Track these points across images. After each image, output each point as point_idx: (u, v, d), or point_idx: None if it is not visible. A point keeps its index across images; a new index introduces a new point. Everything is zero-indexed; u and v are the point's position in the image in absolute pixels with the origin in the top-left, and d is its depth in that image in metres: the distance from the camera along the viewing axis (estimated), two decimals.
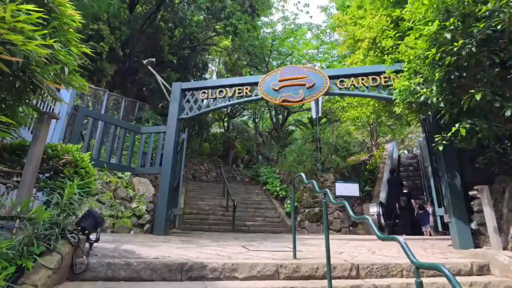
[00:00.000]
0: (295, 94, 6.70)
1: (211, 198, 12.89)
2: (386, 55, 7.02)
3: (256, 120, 28.81)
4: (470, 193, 5.62)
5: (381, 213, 10.08)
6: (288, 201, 12.04)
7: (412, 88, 5.13)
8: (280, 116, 20.76)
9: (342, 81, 6.79)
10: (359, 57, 7.72)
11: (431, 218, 9.55)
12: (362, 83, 6.64)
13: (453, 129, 4.40)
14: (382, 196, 12.14)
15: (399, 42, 5.93)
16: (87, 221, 3.23)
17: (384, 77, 6.56)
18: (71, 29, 2.89)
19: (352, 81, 6.69)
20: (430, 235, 9.72)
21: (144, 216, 6.50)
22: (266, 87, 6.98)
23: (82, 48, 2.83)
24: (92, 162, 3.53)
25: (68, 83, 2.62)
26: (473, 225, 5.41)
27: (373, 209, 10.23)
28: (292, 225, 4.13)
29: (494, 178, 5.47)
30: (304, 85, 6.75)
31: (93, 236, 3.34)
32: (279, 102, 6.79)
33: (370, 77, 6.63)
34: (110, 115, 9.88)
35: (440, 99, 4.58)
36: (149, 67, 7.17)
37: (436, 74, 4.40)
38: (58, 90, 3.58)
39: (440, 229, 5.84)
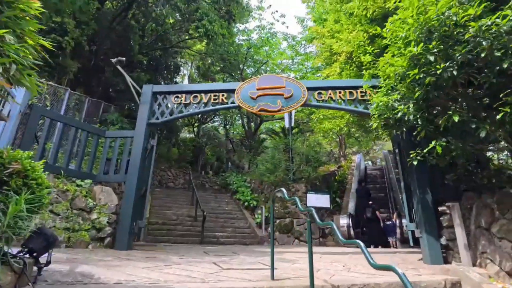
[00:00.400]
0: (273, 103, 6.55)
1: (179, 207, 12.30)
2: (364, 70, 7.13)
3: (227, 126, 28.49)
4: (440, 209, 5.78)
5: (350, 224, 10.18)
6: (259, 211, 11.81)
7: (390, 104, 5.16)
8: (253, 124, 20.62)
9: (320, 93, 6.76)
10: (335, 70, 7.79)
11: (398, 230, 9.81)
12: (340, 96, 6.65)
13: (430, 146, 4.44)
14: (351, 207, 12.34)
15: (375, 58, 6.03)
16: (36, 242, 2.75)
17: (361, 92, 6.63)
18: (28, 17, 2.47)
19: (330, 94, 6.68)
20: (396, 246, 10.09)
21: (104, 228, 5.91)
22: (243, 95, 6.76)
23: (40, 40, 2.41)
24: (44, 169, 3.05)
25: (16, 81, 2.19)
26: (443, 241, 5.53)
27: (343, 220, 10.31)
28: (271, 243, 3.88)
29: (462, 195, 5.67)
30: (282, 95, 6.62)
31: (44, 258, 2.86)
32: (256, 111, 6.60)
33: (347, 91, 6.66)
34: (70, 116, 9.08)
35: (417, 116, 4.63)
36: (118, 67, 6.65)
37: (416, 93, 4.44)
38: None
39: (411, 243, 5.89)
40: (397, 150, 6.43)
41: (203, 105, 6.95)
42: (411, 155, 5.04)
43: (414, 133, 4.88)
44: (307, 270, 4.47)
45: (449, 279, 4.25)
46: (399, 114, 4.90)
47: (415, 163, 4.99)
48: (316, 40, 9.50)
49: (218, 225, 11.17)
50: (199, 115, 27.37)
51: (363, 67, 6.21)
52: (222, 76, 20.80)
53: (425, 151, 4.54)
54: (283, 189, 3.72)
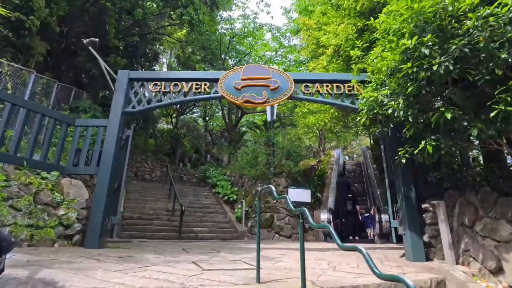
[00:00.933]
0: (258, 95, 6.26)
1: (155, 200, 11.82)
2: (353, 65, 6.97)
3: (207, 118, 27.92)
4: (423, 206, 5.78)
5: (331, 219, 10.18)
6: (239, 206, 11.57)
7: (379, 100, 5.03)
8: (234, 116, 20.23)
9: (307, 86, 6.54)
10: (322, 64, 7.60)
11: (377, 225, 9.91)
12: (327, 89, 6.47)
13: (420, 146, 4.34)
14: (331, 202, 12.38)
15: (364, 53, 5.88)
16: None
17: (348, 86, 6.48)
18: None
19: (317, 87, 6.48)
20: (373, 238, 10.32)
21: (73, 225, 5.42)
22: (227, 85, 6.41)
23: None
24: (3, 159, 2.61)
25: None
26: (425, 238, 5.54)
27: (324, 215, 10.30)
28: (257, 243, 3.64)
29: (445, 192, 5.69)
30: (269, 86, 6.34)
31: None
32: (240, 103, 6.28)
33: (334, 85, 6.50)
34: (36, 102, 8.33)
35: (408, 113, 4.52)
36: (91, 48, 6.08)
37: (409, 88, 4.31)
38: None
39: (394, 240, 5.87)
40: (382, 147, 6.35)
41: (184, 94, 6.54)
42: (400, 153, 4.95)
43: (404, 130, 4.78)
44: (293, 269, 4.30)
45: (434, 278, 4.21)
46: (390, 110, 4.76)
47: (403, 161, 4.91)
48: (302, 32, 9.25)
49: (196, 219, 10.83)
50: (178, 105, 26.73)
51: (352, 62, 6.04)
52: (203, 66, 20.16)
53: (416, 151, 4.43)
54: (272, 187, 3.47)
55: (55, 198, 5.37)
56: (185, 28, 20.00)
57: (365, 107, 5.28)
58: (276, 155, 12.52)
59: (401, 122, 5.15)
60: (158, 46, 20.89)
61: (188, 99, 6.49)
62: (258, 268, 3.47)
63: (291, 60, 17.97)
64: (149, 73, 6.76)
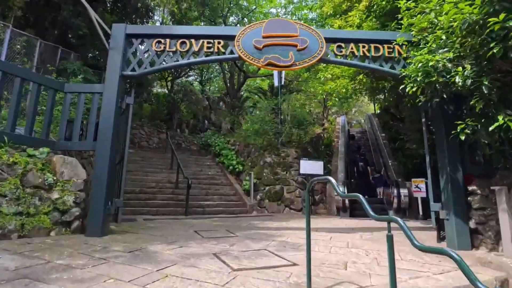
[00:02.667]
0: (284, 56, 5.24)
1: (156, 171, 11.08)
2: (389, 22, 5.88)
3: (203, 82, 26.49)
4: (469, 188, 5.13)
5: (346, 193, 9.62)
6: (247, 178, 10.93)
7: (440, 64, 4.09)
8: (235, 80, 18.94)
9: (339, 46, 5.51)
10: (354, 21, 6.47)
11: (395, 200, 9.40)
12: (363, 51, 5.47)
13: (499, 121, 3.52)
14: (341, 172, 11.80)
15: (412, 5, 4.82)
16: None
17: (388, 48, 5.47)
18: None
19: (352, 48, 5.46)
20: (383, 196, 10.90)
21: (71, 210, 4.66)
22: (245, 43, 5.34)
23: None
24: None
25: None
26: (471, 224, 4.95)
27: (339, 189, 9.71)
28: (307, 245, 2.92)
29: (493, 172, 5.01)
30: (296, 45, 5.30)
31: None
32: (262, 65, 5.27)
33: (372, 45, 5.48)
34: (16, 63, 7.15)
35: (485, 81, 3.63)
36: None
37: (494, 49, 3.37)
38: None
39: (433, 225, 5.27)
40: (423, 120, 5.52)
41: (193, 54, 5.48)
42: (459, 127, 4.14)
43: (472, 102, 3.92)
44: (338, 265, 3.65)
45: (498, 276, 3.63)
46: (457, 78, 3.86)
47: (462, 137, 4.11)
48: None
49: (202, 192, 10.21)
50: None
51: (400, 15, 4.99)
52: (200, 24, 18.39)
53: (492, 127, 3.61)
54: (332, 180, 2.68)
55: (46, 180, 4.54)
56: None
57: (419, 73, 4.35)
58: (286, 123, 11.65)
59: (464, 93, 4.29)
60: (150, 1, 18.93)
61: (199, 61, 5.44)
62: (309, 275, 2.78)
63: (302, 17, 16.30)
64: (150, 28, 5.61)
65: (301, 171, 10.23)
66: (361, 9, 6.44)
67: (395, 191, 9.25)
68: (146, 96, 21.08)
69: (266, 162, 11.01)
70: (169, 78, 26.10)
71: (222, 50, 5.40)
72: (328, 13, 7.90)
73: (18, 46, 7.45)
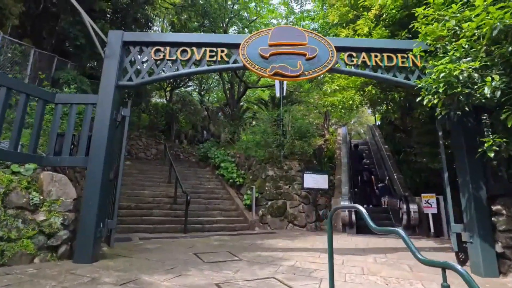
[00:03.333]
0: (292, 66, 4.90)
1: (154, 185, 10.62)
2: (401, 31, 5.58)
3: (202, 92, 26.29)
4: (494, 208, 4.73)
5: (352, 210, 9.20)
6: (248, 192, 10.48)
7: (465, 74, 3.75)
8: (236, 91, 18.66)
9: (351, 55, 5.19)
10: (362, 29, 6.18)
11: (404, 216, 8.96)
12: (376, 60, 5.15)
13: None
14: (345, 185, 11.37)
15: (433, 13, 4.52)
16: None
17: (402, 57, 5.16)
18: None
19: (363, 57, 5.14)
20: (387, 205, 10.75)
21: (58, 233, 4.21)
22: (251, 52, 5.01)
23: None
24: None
25: None
26: (498, 248, 4.53)
27: (344, 204, 9.29)
28: (329, 278, 2.49)
29: None
30: (304, 54, 4.97)
31: None
32: (269, 75, 4.92)
33: (385, 55, 5.17)
34: (5, 72, 6.79)
35: None
36: (73, 1, 4.54)
37: None
38: None
39: (455, 249, 4.83)
40: (439, 133, 5.16)
41: (195, 63, 5.12)
42: (486, 144, 3.78)
43: (503, 117, 3.56)
44: None
45: None
46: (486, 90, 3.51)
47: (491, 155, 3.75)
48: None
49: (201, 207, 9.73)
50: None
51: (416, 22, 4.68)
52: None
53: None
54: (361, 209, 2.27)
55: (32, 199, 4.11)
56: None
57: (440, 84, 4.01)
58: (288, 135, 11.28)
59: (490, 105, 3.95)
60: (150, 12, 18.83)
61: (201, 70, 5.08)
62: None
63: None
64: (149, 35, 5.27)
65: (305, 185, 9.82)
66: (370, 17, 6.17)
67: (404, 206, 8.83)
68: (144, 106, 20.83)
69: (268, 176, 10.59)
70: (168, 88, 25.90)
71: (226, 59, 5.06)
72: (334, 22, 7.64)
73: (9, 55, 7.09)
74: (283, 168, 10.77)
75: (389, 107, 10.41)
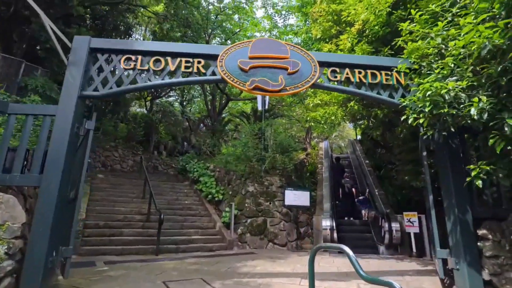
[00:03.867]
0: (273, 80, 4.63)
1: (126, 200, 9.96)
2: (384, 47, 5.48)
3: (184, 103, 25.83)
4: (480, 232, 4.56)
5: (334, 227, 8.92)
6: (227, 209, 10.02)
7: (452, 94, 3.60)
8: (217, 103, 18.33)
9: (334, 71, 4.99)
10: (345, 44, 6.05)
11: (387, 235, 8.76)
12: (359, 77, 4.97)
13: None
14: (327, 203, 11.13)
15: (418, 28, 4.41)
16: None
17: (386, 75, 5.02)
18: None
19: (347, 73, 4.95)
20: (367, 218, 10.88)
21: (1, 264, 3.63)
22: (229, 64, 4.70)
23: None
24: None
25: None
26: (485, 275, 4.32)
27: (326, 222, 9.01)
28: None
29: (504, 214, 4.49)
30: (286, 68, 4.72)
31: None
32: (249, 89, 4.61)
33: (369, 71, 5.00)
34: None
35: (510, 121, 3.12)
36: (30, 1, 4.09)
37: None
38: None
39: (441, 276, 4.60)
40: (423, 153, 5.00)
41: (169, 74, 4.76)
42: (473, 172, 3.59)
43: (492, 141, 3.39)
44: None
45: None
46: (473, 111, 3.35)
47: (478, 182, 3.56)
48: (316, 5, 7.56)
49: (176, 225, 9.16)
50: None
51: (400, 39, 4.56)
52: None
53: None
54: (348, 250, 1.94)
55: None
56: (163, 0, 17.61)
57: (426, 103, 3.83)
58: (270, 149, 11.00)
59: (476, 126, 3.80)
60: (131, 20, 18.38)
61: (175, 82, 4.71)
62: None
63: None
64: (120, 42, 4.85)
65: (286, 202, 9.49)
66: (353, 32, 6.05)
67: (386, 225, 8.64)
68: (122, 116, 20.11)
69: (249, 192, 10.19)
70: (149, 98, 25.24)
71: (203, 70, 4.73)
72: (317, 37, 7.52)
73: None
74: (263, 184, 10.41)
75: (371, 123, 10.38)
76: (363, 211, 11.45)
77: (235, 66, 4.67)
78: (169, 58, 4.71)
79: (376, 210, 10.54)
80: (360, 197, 12.51)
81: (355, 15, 5.92)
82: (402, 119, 4.49)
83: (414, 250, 8.08)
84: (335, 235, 8.86)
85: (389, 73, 5.01)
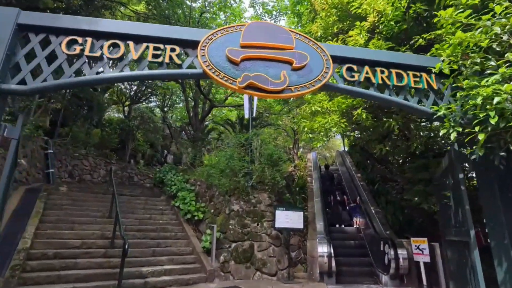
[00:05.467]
0: (273, 77, 3.44)
1: (88, 221, 8.39)
2: (401, 46, 4.49)
3: (165, 109, 24.38)
4: None
5: (332, 254, 7.73)
6: (208, 231, 8.65)
7: None
8: (200, 109, 17.01)
9: (350, 69, 3.87)
10: (356, 41, 4.99)
11: (392, 264, 7.65)
12: (382, 78, 3.87)
13: None
14: (320, 222, 9.97)
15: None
16: None
17: (414, 76, 3.94)
18: None
19: (367, 72, 3.85)
20: (359, 225, 10.87)
21: None
22: (214, 53, 3.48)
23: None
24: None
25: None
26: None
27: (323, 248, 7.80)
28: None
29: None
30: (290, 62, 3.55)
31: None
32: (240, 88, 3.39)
33: (393, 71, 3.93)
34: None
35: None
36: None
37: None
38: None
39: None
40: (461, 176, 3.92)
41: (130, 64, 3.49)
42: None
43: None
44: None
45: None
46: None
47: None
48: None
49: (147, 252, 7.70)
50: (131, 91, 22.98)
51: (426, 35, 3.50)
52: None
53: None
54: None
55: None
56: None
57: (490, 113, 2.76)
58: (258, 162, 9.79)
59: None
60: (110, 18, 16.90)
61: (139, 75, 3.43)
62: None
63: None
64: (62, 19, 3.52)
65: (277, 225, 8.25)
66: (368, 25, 5.02)
67: (391, 252, 7.53)
68: (96, 121, 18.52)
69: (233, 211, 8.88)
70: (127, 103, 23.68)
71: (178, 61, 3.48)
72: (318, 34, 6.48)
73: None
74: (250, 202, 9.14)
75: (365, 134, 9.39)
76: (354, 219, 11.32)
77: (222, 57, 3.46)
78: (131, 43, 3.44)
79: (374, 232, 9.46)
80: (352, 204, 12.30)
81: (369, 6, 4.88)
82: (441, 134, 3.40)
83: (424, 282, 6.99)
84: (333, 263, 7.67)
85: (418, 74, 3.95)
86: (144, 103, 24.73)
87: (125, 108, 23.10)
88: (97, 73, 3.31)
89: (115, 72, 3.33)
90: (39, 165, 11.47)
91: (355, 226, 11.14)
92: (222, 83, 3.37)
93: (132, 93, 23.49)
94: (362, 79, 3.82)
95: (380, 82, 3.84)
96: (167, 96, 24.54)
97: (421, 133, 6.53)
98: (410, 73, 3.94)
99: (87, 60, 3.34)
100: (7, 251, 5.86)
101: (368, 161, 15.91)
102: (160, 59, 3.44)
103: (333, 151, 33.03)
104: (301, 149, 26.47)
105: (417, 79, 3.94)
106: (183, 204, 10.18)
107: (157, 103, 25.54)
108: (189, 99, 16.13)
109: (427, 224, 8.33)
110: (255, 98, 11.41)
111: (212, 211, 9.57)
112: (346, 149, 21.12)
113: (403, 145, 6.70)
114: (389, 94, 3.87)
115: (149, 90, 23.28)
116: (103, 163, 15.98)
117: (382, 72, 3.88)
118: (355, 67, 3.86)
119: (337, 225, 11.17)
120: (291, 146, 21.37)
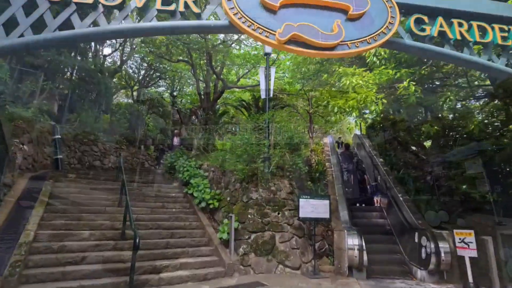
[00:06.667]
0: (323, 27, 2.56)
1: (97, 210, 7.81)
2: None
3: (175, 93, 23.66)
4: None
5: (364, 247, 6.99)
6: (225, 220, 7.98)
7: None
8: (212, 90, 16.16)
9: (420, 20, 2.96)
10: None
11: (432, 258, 6.87)
12: (460, 32, 2.94)
13: None
14: (344, 210, 9.21)
15: None
16: None
17: (501, 30, 3.00)
18: None
19: (441, 24, 2.92)
20: (380, 204, 10.91)
21: None
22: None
23: None
24: None
25: None
26: None
27: (353, 240, 7.08)
28: None
29: None
30: (346, 9, 2.66)
31: None
32: (280, 42, 2.53)
33: (474, 24, 2.98)
34: None
35: None
36: None
37: None
38: None
39: None
40: None
41: (135, 13, 2.66)
42: None
43: None
44: None
45: None
46: None
47: None
48: None
49: (160, 243, 7.10)
50: (139, 75, 22.36)
51: None
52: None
53: None
54: None
55: None
56: None
57: None
58: (278, 147, 8.98)
59: None
60: None
61: (144, 28, 2.56)
62: None
63: None
64: None
65: (301, 215, 7.52)
66: None
67: (432, 245, 6.73)
68: (105, 106, 18.03)
69: (252, 199, 8.16)
70: (135, 88, 23.12)
71: (195, 9, 2.64)
72: None
73: None
74: (270, 189, 8.40)
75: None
76: (375, 198, 11.48)
77: (255, 3, 2.61)
78: None
79: (406, 223, 8.64)
80: (373, 183, 12.57)
81: None
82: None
83: (470, 279, 6.21)
84: (364, 257, 6.94)
85: (506, 28, 3.00)
86: (153, 88, 24.10)
87: (134, 93, 22.51)
88: (90, 26, 2.51)
89: (112, 24, 2.51)
90: (47, 151, 10.95)
91: (376, 205, 11.18)
92: (255, 36, 2.51)
93: (140, 77, 22.84)
94: (435, 33, 2.91)
95: (458, 37, 2.92)
96: (176, 80, 23.80)
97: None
98: (496, 26, 3.00)
99: (76, 9, 2.53)
100: (8, 246, 5.30)
101: (389, 145, 14.96)
102: (172, 7, 2.60)
103: (347, 134, 31.85)
104: (327, 136, 25.52)
105: (505, 33, 3.00)
106: (196, 191, 9.53)
107: (166, 87, 24.89)
108: (199, 80, 15.31)
109: (468, 215, 7.46)
110: (272, 77, 10.47)
111: (228, 199, 8.89)
112: (359, 132, 20.09)
113: (458, 125, 5.76)
114: (468, 54, 2.95)
115: (157, 73, 22.55)
116: (113, 149, 15.52)
117: (460, 25, 2.95)
118: (425, 18, 2.94)
119: (357, 205, 11.40)
120: (305, 130, 20.42)
